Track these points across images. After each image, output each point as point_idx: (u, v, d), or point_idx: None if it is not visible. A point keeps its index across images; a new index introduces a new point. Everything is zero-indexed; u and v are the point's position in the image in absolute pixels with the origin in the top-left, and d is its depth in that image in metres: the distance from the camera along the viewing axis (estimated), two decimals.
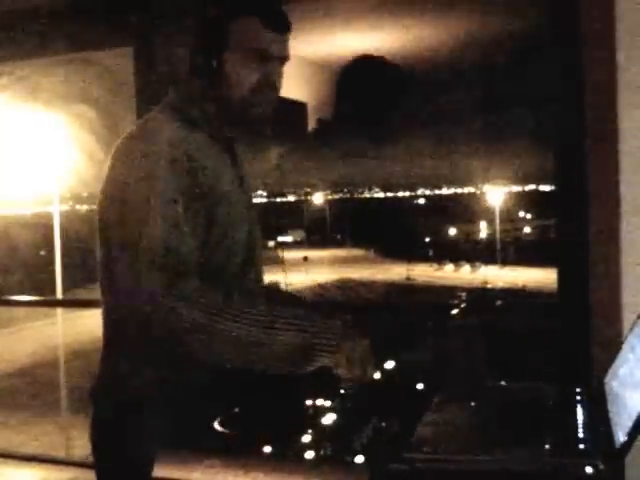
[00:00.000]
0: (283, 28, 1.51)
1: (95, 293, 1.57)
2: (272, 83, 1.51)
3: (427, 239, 45.97)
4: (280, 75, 1.54)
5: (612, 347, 1.73)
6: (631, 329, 1.35)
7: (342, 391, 1.39)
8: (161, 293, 1.28)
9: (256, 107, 1.51)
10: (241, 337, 1.29)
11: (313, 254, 40.79)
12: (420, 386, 1.49)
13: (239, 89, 1.48)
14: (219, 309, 1.30)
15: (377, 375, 1.46)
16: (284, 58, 1.53)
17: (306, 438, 1.24)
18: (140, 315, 1.30)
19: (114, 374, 1.51)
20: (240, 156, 1.63)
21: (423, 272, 36.09)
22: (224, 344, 1.30)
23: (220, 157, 1.52)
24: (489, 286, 30.79)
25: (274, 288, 1.83)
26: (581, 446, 1.15)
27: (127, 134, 1.49)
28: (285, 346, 1.31)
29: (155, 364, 1.41)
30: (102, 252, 1.45)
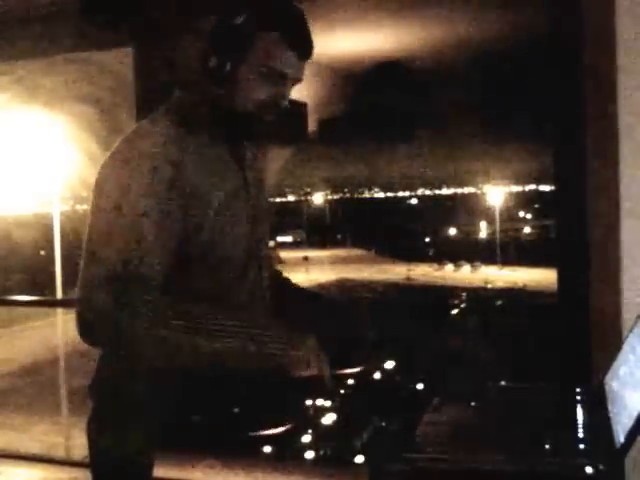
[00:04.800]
0: (306, 53, 1.48)
1: None
2: (278, 104, 1.48)
3: (427, 239, 45.98)
4: (289, 94, 1.51)
5: (612, 347, 1.73)
6: (631, 329, 1.35)
7: (311, 389, 1.37)
8: (109, 303, 1.26)
9: (255, 122, 1.49)
10: (183, 346, 1.28)
11: (313, 254, 40.80)
12: (420, 386, 1.49)
13: (245, 102, 1.46)
14: (162, 319, 1.27)
15: (377, 375, 1.45)
16: (297, 80, 1.51)
17: (306, 438, 1.24)
18: (90, 324, 1.29)
19: (109, 370, 1.51)
20: (251, 161, 1.60)
21: (423, 272, 36.11)
22: (163, 353, 1.29)
23: (220, 164, 1.49)
24: (489, 286, 30.80)
25: (286, 283, 1.80)
26: (581, 446, 1.15)
27: (124, 136, 1.47)
28: (231, 354, 1.30)
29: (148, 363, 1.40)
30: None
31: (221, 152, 1.51)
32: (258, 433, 1.27)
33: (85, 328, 1.29)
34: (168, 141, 1.41)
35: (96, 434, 1.53)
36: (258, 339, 1.31)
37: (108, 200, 1.35)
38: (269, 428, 1.29)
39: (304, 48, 1.48)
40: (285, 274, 1.81)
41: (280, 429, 1.27)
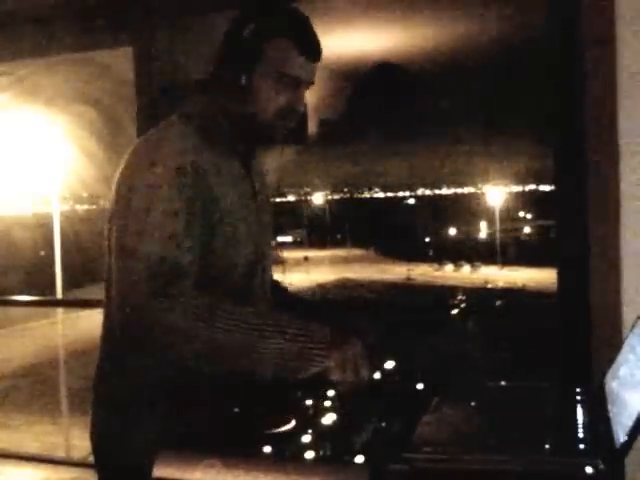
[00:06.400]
0: (316, 55, 1.51)
1: (95, 293, 1.58)
2: (297, 109, 1.51)
3: (427, 239, 46.01)
4: (304, 98, 1.53)
5: (612, 347, 1.72)
6: (631, 329, 1.35)
7: (339, 394, 1.37)
8: (150, 298, 1.28)
9: (276, 129, 1.52)
10: (226, 343, 1.28)
11: (313, 254, 40.83)
12: (420, 386, 1.49)
13: (264, 110, 1.48)
14: (206, 315, 1.28)
15: (377, 375, 1.45)
16: (310, 83, 1.53)
17: (306, 438, 1.24)
18: (130, 320, 1.30)
19: (108, 370, 1.52)
20: (257, 167, 1.62)
21: (423, 272, 36.14)
22: (208, 350, 1.29)
23: (232, 171, 1.51)
24: (489, 286, 30.84)
25: (282, 290, 1.81)
26: (581, 446, 1.15)
27: (140, 140, 1.49)
28: (273, 354, 1.30)
29: (152, 361, 1.41)
30: (108, 255, 1.45)
31: (233, 159, 1.53)
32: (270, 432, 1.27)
33: (126, 325, 1.30)
34: (187, 145, 1.43)
35: (97, 433, 1.54)
36: (300, 339, 1.31)
37: (139, 201, 1.36)
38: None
39: (313, 51, 1.51)
40: (283, 284, 1.83)
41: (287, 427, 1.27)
